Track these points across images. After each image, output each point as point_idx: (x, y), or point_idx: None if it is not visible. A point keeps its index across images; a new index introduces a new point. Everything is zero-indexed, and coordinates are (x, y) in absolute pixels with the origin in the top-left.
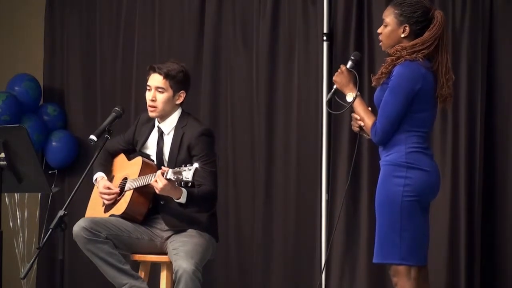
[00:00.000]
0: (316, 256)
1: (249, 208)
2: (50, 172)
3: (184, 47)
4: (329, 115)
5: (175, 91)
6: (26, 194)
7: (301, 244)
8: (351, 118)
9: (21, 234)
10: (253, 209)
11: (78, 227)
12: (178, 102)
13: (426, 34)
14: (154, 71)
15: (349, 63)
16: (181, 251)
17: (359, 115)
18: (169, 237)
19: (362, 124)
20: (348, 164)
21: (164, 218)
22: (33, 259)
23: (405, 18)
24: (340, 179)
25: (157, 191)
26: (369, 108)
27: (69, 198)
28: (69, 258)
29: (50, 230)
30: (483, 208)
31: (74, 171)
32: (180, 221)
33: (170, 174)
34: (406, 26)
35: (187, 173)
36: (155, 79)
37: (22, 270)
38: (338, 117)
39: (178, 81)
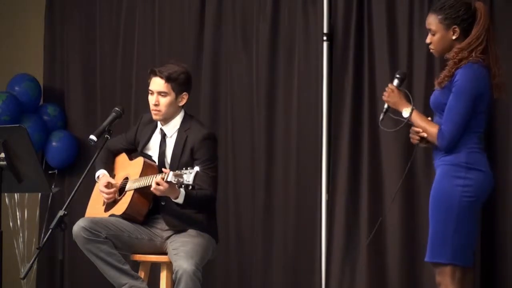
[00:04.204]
0: (316, 256)
1: (249, 208)
2: (50, 172)
3: (184, 47)
4: (329, 115)
5: (178, 94)
6: (26, 194)
7: (301, 244)
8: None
9: (21, 234)
10: (253, 209)
11: (77, 227)
12: (181, 104)
13: (475, 29)
14: (155, 75)
15: (396, 81)
16: (181, 251)
17: (419, 127)
18: (169, 237)
19: (424, 135)
20: (348, 164)
21: (165, 218)
22: (33, 259)
23: (451, 20)
24: (340, 179)
25: (156, 194)
26: (429, 118)
27: (69, 198)
28: (69, 258)
29: (50, 230)
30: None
31: (74, 171)
32: (181, 221)
33: (171, 177)
34: (455, 28)
35: (188, 176)
36: (157, 83)
37: (22, 270)
38: (338, 117)
39: (180, 84)
